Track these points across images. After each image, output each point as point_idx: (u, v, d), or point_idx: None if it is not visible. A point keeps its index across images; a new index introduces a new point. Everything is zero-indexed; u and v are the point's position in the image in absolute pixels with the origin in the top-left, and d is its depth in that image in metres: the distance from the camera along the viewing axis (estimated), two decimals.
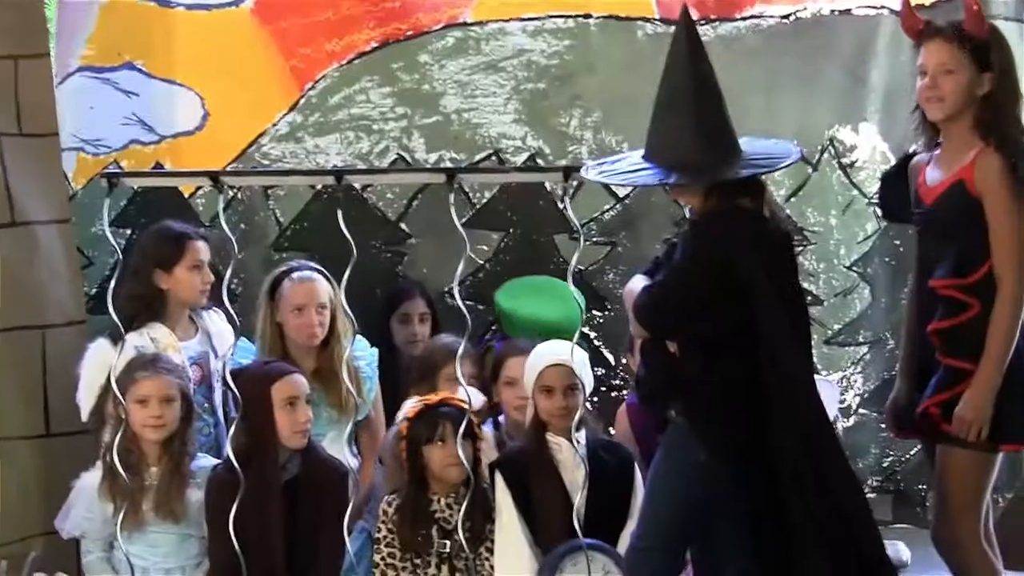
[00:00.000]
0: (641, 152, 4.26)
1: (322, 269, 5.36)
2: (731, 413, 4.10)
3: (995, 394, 4.16)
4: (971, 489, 4.31)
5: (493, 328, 5.74)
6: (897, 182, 4.51)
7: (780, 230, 4.28)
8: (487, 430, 5.09)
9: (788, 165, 4.55)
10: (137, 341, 5.09)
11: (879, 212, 6.19)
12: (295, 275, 5.36)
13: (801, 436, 4.11)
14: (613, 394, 5.92)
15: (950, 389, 4.23)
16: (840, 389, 5.95)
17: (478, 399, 4.88)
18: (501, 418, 5.26)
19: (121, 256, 4.82)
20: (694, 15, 5.38)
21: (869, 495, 6.20)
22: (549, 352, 4.83)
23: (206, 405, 5.28)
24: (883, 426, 6.18)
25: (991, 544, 4.46)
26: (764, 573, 4.19)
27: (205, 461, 4.93)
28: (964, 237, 4.22)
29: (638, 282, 4.28)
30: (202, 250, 5.32)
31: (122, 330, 4.81)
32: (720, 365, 4.11)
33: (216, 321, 5.39)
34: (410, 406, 4.91)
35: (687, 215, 4.33)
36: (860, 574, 4.14)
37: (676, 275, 4.14)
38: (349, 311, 4.91)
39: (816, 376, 5.29)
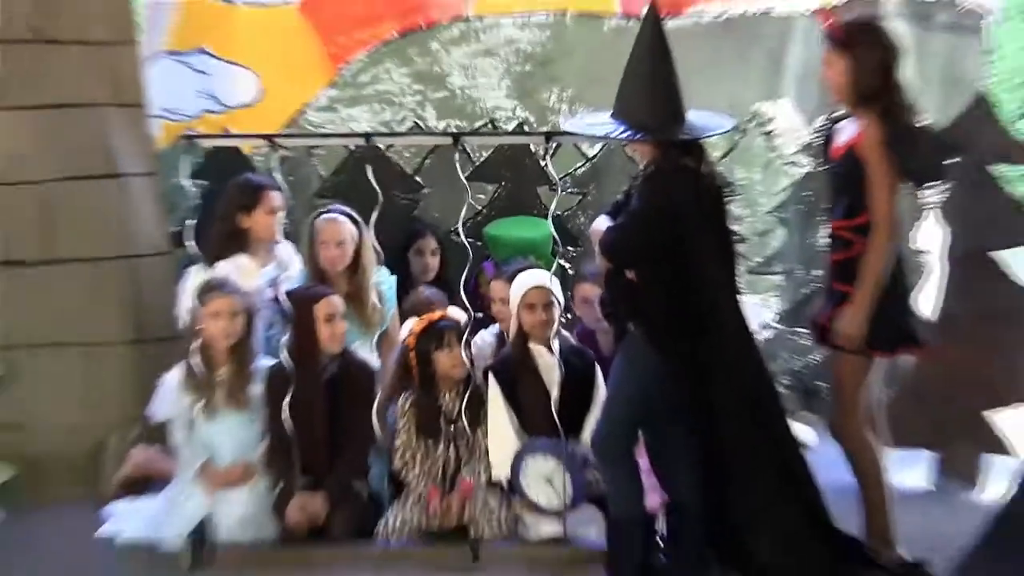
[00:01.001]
0: (609, 112, 4.27)
1: (352, 212, 5.34)
2: (676, 326, 4.16)
3: (867, 313, 4.24)
4: (853, 386, 4.39)
5: (487, 258, 5.81)
6: (828, 140, 4.56)
7: (715, 184, 4.31)
8: (490, 339, 5.15)
9: (721, 134, 4.58)
10: (226, 267, 5.13)
11: (793, 170, 6.33)
12: (322, 216, 5.35)
13: (727, 345, 4.20)
14: None
15: (837, 307, 4.32)
16: (760, 308, 6.03)
17: (464, 316, 4.91)
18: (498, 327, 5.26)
19: (200, 201, 4.88)
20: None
21: (781, 391, 6.34)
22: (531, 278, 4.84)
23: (279, 316, 5.23)
24: (791, 338, 6.34)
25: (876, 428, 4.54)
26: (701, 450, 4.26)
27: (265, 362, 4.97)
28: (853, 189, 4.30)
29: (602, 222, 4.34)
30: (276, 198, 5.29)
31: (204, 260, 4.96)
32: (668, 289, 4.15)
33: (287, 250, 5.38)
34: (414, 323, 4.96)
35: (642, 170, 4.30)
36: (776, 449, 4.26)
37: (634, 219, 4.19)
38: (377, 245, 5.07)
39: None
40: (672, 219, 4.11)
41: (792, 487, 4.25)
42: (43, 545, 4.84)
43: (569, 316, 5.52)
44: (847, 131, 4.39)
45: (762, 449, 4.24)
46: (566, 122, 4.74)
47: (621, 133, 4.22)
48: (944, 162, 4.62)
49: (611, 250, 4.25)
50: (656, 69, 4.19)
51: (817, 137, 6.19)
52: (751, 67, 6.28)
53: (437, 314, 4.98)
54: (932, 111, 5.48)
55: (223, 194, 5.40)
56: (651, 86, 4.19)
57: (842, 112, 4.51)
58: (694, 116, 4.27)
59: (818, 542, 4.23)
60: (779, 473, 4.24)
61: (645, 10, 4.23)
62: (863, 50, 4.31)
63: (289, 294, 4.90)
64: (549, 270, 4.87)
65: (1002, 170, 5.28)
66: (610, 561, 4.31)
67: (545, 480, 4.65)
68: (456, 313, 4.97)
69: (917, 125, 4.43)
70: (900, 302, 4.38)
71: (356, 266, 5.33)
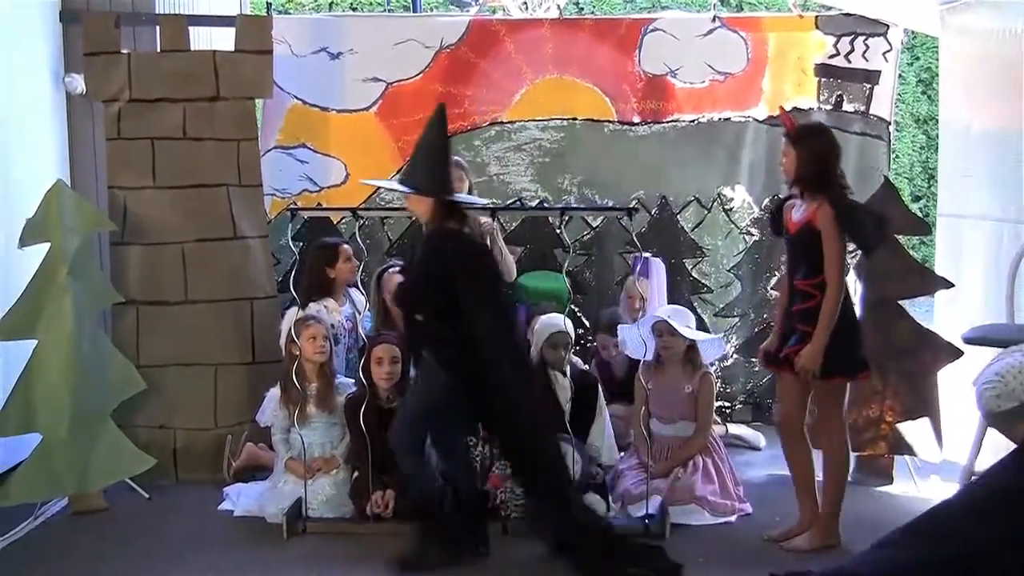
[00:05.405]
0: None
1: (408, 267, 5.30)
2: (455, 352, 4.02)
3: (822, 350, 4.10)
4: (830, 401, 4.27)
5: (516, 301, 5.68)
6: (777, 214, 4.41)
7: (476, 242, 4.21)
8: None
9: (478, 207, 4.68)
10: (316, 307, 5.15)
11: (746, 238, 6.21)
12: (388, 271, 5.33)
13: (491, 361, 3.99)
14: (588, 344, 5.90)
15: (802, 344, 4.17)
16: (723, 344, 5.84)
17: None
18: None
19: (298, 258, 4.83)
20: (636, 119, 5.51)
21: (738, 407, 6.21)
22: (553, 323, 4.79)
23: (355, 344, 5.26)
24: (746, 366, 6.19)
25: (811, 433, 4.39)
26: (476, 429, 4.34)
27: (342, 380, 4.96)
28: (812, 255, 4.15)
29: (397, 277, 4.44)
30: (349, 251, 5.36)
31: (299, 301, 4.87)
32: (447, 325, 4.02)
33: (358, 295, 5.35)
34: None
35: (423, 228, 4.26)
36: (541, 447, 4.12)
37: (412, 277, 4.25)
38: None
39: (708, 334, 5.29)
40: (440, 274, 3.99)
41: (552, 473, 4.09)
42: (178, 517, 4.79)
43: (577, 347, 5.42)
44: (799, 209, 4.24)
45: (528, 448, 4.09)
46: (384, 182, 5.14)
47: (405, 188, 4.14)
48: (881, 231, 4.44)
49: (400, 302, 4.26)
50: (438, 147, 4.13)
51: (764, 213, 6.10)
52: (714, 160, 6.16)
53: None
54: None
55: (309, 254, 5.39)
56: (433, 161, 4.10)
57: (787, 194, 4.37)
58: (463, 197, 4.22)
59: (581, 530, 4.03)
60: (541, 462, 4.09)
61: (436, 110, 4.15)
62: (810, 144, 4.19)
63: (367, 336, 4.81)
64: (563, 312, 4.78)
65: (903, 238, 5.14)
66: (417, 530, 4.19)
67: None
68: None
69: (855, 203, 4.27)
70: (855, 340, 4.26)
71: None
